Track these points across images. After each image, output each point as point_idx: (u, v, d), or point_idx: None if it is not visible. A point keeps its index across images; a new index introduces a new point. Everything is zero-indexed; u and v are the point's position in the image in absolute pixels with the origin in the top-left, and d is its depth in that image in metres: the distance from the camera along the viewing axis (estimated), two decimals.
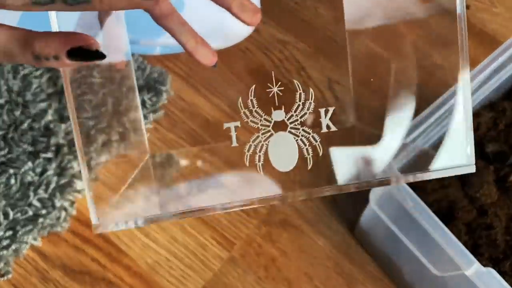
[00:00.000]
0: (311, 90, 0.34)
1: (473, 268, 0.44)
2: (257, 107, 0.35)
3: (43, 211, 0.57)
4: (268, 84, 0.34)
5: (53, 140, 0.61)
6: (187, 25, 0.40)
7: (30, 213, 0.57)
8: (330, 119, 0.34)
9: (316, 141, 0.35)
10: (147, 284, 0.57)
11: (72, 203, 0.59)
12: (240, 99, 0.34)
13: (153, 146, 0.64)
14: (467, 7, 0.81)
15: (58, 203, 0.58)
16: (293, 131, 0.35)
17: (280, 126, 0.34)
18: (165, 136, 0.65)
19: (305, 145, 0.35)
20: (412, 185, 0.55)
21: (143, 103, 0.64)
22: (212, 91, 0.69)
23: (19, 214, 0.57)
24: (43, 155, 0.60)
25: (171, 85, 0.68)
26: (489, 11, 0.81)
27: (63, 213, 0.58)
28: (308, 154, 0.35)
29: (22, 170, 0.59)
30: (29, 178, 0.59)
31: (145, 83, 0.67)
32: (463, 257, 0.44)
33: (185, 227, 0.59)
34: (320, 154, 0.35)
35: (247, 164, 0.35)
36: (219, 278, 0.58)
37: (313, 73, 0.73)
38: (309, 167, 0.35)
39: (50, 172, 0.59)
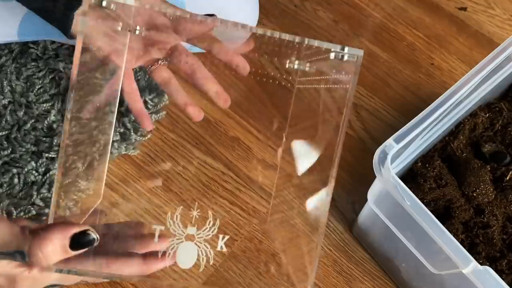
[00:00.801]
0: (218, 220, 0.47)
1: (470, 266, 0.44)
2: (179, 221, 0.47)
3: (46, 210, 0.58)
4: (191, 207, 0.47)
5: (56, 140, 0.61)
6: (181, 90, 0.56)
7: (34, 212, 0.58)
8: (224, 242, 0.47)
9: (211, 254, 0.47)
10: (149, 280, 0.57)
11: (76, 202, 0.60)
12: (169, 213, 0.47)
13: (155, 146, 0.64)
14: (464, 9, 0.82)
15: (62, 203, 0.58)
16: (197, 243, 0.48)
17: (190, 237, 0.48)
18: (167, 136, 0.65)
19: (202, 254, 0.48)
20: (410, 185, 0.56)
21: (145, 104, 0.65)
22: None
23: (22, 213, 0.58)
24: (46, 154, 0.60)
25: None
26: (486, 13, 0.82)
27: (67, 213, 0.58)
28: (202, 261, 0.48)
29: (26, 169, 0.59)
30: (32, 178, 0.59)
31: (147, 84, 0.67)
32: (460, 255, 0.45)
33: None
34: (211, 263, 0.47)
35: (159, 257, 0.46)
36: (220, 273, 0.59)
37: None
38: (200, 270, 0.47)
39: (53, 171, 0.60)
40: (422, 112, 0.51)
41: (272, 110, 0.69)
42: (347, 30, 0.78)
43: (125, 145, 0.63)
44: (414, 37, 0.79)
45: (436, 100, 0.52)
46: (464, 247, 0.45)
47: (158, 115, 0.65)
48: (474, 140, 0.62)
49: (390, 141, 0.49)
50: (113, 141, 0.63)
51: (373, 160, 0.49)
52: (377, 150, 0.49)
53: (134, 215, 0.61)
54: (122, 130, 0.64)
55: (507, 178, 0.58)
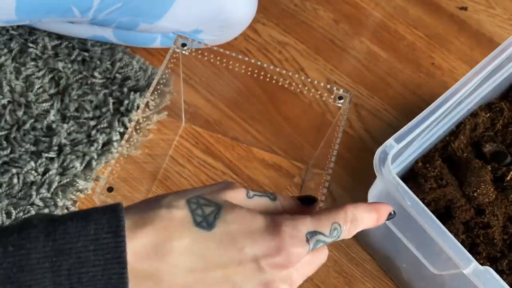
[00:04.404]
0: None
1: (471, 267, 0.44)
2: None
3: (46, 210, 0.58)
4: None
5: (55, 140, 0.61)
6: None
7: (33, 212, 0.58)
8: None
9: None
10: None
11: (75, 202, 0.60)
12: None
13: (156, 147, 0.64)
14: (465, 8, 0.81)
15: (60, 202, 0.58)
16: None
17: None
18: (168, 137, 0.65)
19: None
20: (410, 185, 0.55)
21: (147, 104, 0.65)
22: (212, 93, 0.69)
23: (21, 214, 0.57)
24: (46, 154, 0.60)
25: (173, 86, 0.68)
26: (486, 12, 0.81)
27: (65, 212, 0.58)
28: None
29: (25, 169, 0.59)
30: (31, 178, 0.59)
31: (147, 84, 0.67)
32: (461, 256, 0.45)
33: None
34: None
35: None
36: None
37: (312, 74, 0.74)
38: None
39: (52, 171, 0.59)
40: (422, 112, 0.51)
41: (272, 110, 0.69)
42: (348, 29, 0.78)
43: (127, 146, 0.63)
44: (414, 37, 0.78)
45: (437, 100, 0.52)
46: (465, 247, 0.45)
47: (160, 115, 0.64)
48: (474, 140, 0.62)
49: (390, 141, 0.49)
50: (113, 141, 0.63)
51: (374, 160, 0.48)
52: (377, 150, 0.49)
53: None
54: (122, 130, 0.64)
55: (508, 178, 0.58)
